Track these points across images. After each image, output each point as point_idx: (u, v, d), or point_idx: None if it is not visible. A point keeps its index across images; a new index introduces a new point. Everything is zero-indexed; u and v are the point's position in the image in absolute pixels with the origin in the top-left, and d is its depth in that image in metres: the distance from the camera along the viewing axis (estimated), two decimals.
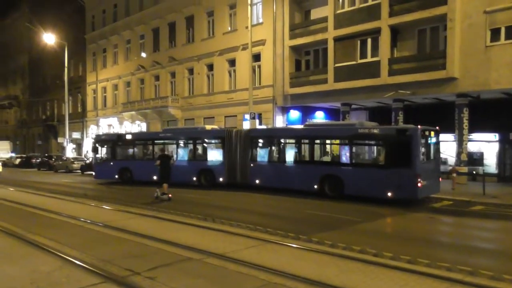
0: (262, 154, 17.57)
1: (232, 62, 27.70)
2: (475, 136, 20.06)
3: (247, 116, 23.10)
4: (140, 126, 34.60)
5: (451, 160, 19.87)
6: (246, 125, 23.46)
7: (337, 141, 15.67)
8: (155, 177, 17.52)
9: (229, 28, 27.81)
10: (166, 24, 32.43)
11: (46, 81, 49.70)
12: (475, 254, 7.93)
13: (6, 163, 43.92)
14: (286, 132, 18.27)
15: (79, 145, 43.46)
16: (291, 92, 23.72)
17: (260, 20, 25.88)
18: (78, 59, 42.80)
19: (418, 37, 19.87)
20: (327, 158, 15.96)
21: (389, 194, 13.36)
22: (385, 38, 19.62)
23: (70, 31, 42.18)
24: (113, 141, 22.09)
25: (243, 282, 5.73)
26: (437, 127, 14.76)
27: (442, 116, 19.66)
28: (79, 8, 42.67)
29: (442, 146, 16.20)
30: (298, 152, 16.58)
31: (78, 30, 42.45)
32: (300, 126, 19.28)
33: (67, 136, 37.47)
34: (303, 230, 9.16)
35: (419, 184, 12.76)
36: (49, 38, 35.83)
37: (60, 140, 42.71)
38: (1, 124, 62.52)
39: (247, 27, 23.10)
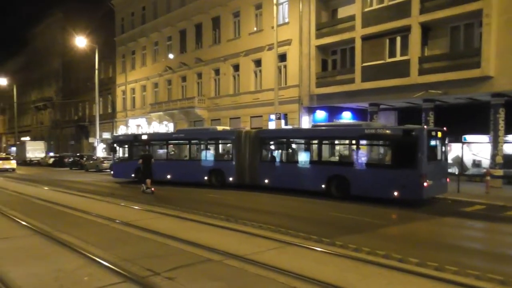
0: (271, 155, 17.84)
1: (258, 62, 27.70)
2: (511, 137, 19.23)
3: (272, 117, 23.03)
4: (167, 127, 35.11)
5: (485, 162, 19.13)
6: (272, 126, 23.39)
7: (344, 142, 15.92)
8: (169, 176, 19.83)
9: (255, 29, 27.81)
10: (193, 25, 32.79)
11: (78, 83, 51.26)
12: (507, 262, 7.56)
13: (41, 162, 45.63)
14: (294, 133, 18.55)
15: (109, 145, 44.54)
16: (317, 92, 23.47)
17: (286, 20, 25.75)
18: (108, 61, 43.90)
19: (451, 34, 19.21)
20: (334, 159, 16.13)
21: (395, 194, 13.42)
22: (415, 36, 19.09)
23: (101, 34, 43.31)
24: (130, 142, 22.78)
25: (262, 285, 5.68)
26: (444, 128, 14.71)
27: (476, 117, 18.98)
28: (109, 11, 43.77)
29: (476, 148, 15.70)
30: (306, 153, 16.64)
31: (108, 33, 43.55)
32: (308, 127, 19.39)
33: (97, 136, 38.41)
34: (326, 232, 9.00)
35: (424, 184, 12.81)
36: (80, 42, 36.87)
37: (91, 140, 43.87)
38: (37, 125, 64.89)
39: (273, 27, 23.01)
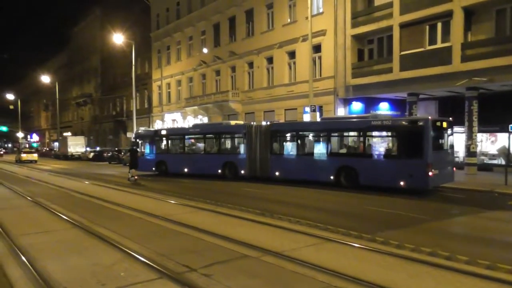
0: (281, 148, 18.26)
1: (292, 54, 27.25)
2: None
3: (307, 109, 22.58)
4: (202, 121, 35.31)
5: None
6: (307, 118, 22.95)
7: (352, 134, 16.34)
8: (186, 169, 21.33)
9: (289, 20, 27.34)
10: (226, 19, 32.67)
11: (116, 79, 52.53)
12: None
13: (81, 157, 47.15)
14: (304, 126, 19.06)
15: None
16: (353, 83, 22.81)
17: (321, 10, 25.15)
18: (144, 57, 44.65)
19: (496, 18, 18.11)
20: (342, 150, 16.42)
21: (402, 183, 13.86)
22: (457, 22, 18.10)
23: (137, 30, 44.06)
24: (151, 137, 23.59)
25: (301, 284, 5.42)
26: (450, 118, 15.17)
27: None
28: (145, 8, 44.41)
29: None
30: (316, 145, 17.04)
31: (144, 29, 44.25)
32: (317, 120, 20.24)
33: (134, 131, 39.19)
34: (366, 227, 8.63)
35: (430, 174, 13.11)
36: (118, 38, 37.63)
37: (128, 134, 44.83)
38: (78, 121, 67.19)
39: (307, 18, 22.50)
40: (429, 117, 13.84)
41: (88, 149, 49.85)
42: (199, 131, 22.21)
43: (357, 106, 23.91)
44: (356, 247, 7.10)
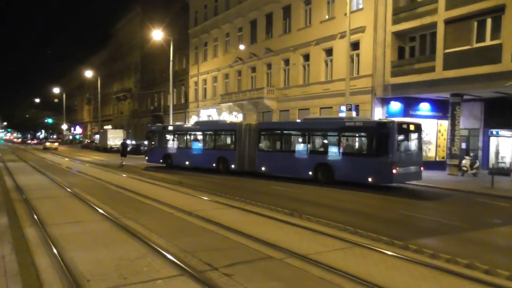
0: (267, 145, 19.91)
1: (329, 52, 26.75)
2: None
3: (343, 108, 22.13)
4: (236, 117, 35.42)
5: None
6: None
7: (328, 134, 17.52)
8: (187, 162, 23.29)
9: (327, 16, 26.85)
10: (263, 15, 32.54)
11: (154, 74, 53.66)
12: None
13: (119, 150, 48.46)
14: (287, 126, 20.58)
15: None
16: (392, 82, 22.08)
17: (360, 6, 24.51)
18: (182, 53, 45.33)
19: None
20: (320, 149, 17.68)
21: (370, 179, 15.31)
22: (510, 17, 17.05)
23: (176, 27, 44.75)
24: (160, 132, 25.86)
25: None
26: (420, 122, 16.98)
27: None
28: (184, 5, 45.07)
29: None
30: (296, 143, 18.61)
31: (183, 26, 44.90)
32: (298, 121, 22.43)
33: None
34: (398, 233, 8.27)
35: (394, 171, 14.51)
36: (157, 35, 38.38)
37: None
38: (118, 114, 69.28)
39: (345, 14, 21.98)
40: (395, 120, 15.53)
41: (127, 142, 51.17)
42: (199, 128, 23.93)
43: (395, 106, 23.15)
44: (387, 254, 6.79)
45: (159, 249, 6.67)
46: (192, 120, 42.98)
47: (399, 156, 14.81)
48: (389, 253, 6.83)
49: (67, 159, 33.81)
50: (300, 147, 18.24)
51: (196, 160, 22.92)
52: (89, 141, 68.63)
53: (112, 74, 70.67)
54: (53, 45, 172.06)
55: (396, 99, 22.91)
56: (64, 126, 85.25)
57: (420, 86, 20.73)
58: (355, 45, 24.22)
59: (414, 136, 16.04)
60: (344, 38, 22.73)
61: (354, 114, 21.76)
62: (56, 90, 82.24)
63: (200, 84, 42.77)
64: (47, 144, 57.19)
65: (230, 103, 34.84)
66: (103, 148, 50.32)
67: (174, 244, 7.04)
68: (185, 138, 24.11)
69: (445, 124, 23.24)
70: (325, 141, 17.72)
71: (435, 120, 23.97)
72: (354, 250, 7.02)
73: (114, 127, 62.82)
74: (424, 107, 23.42)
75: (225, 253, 6.61)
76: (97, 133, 64.53)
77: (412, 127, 15.82)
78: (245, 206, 11.04)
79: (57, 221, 8.81)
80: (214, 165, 21.56)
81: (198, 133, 23.61)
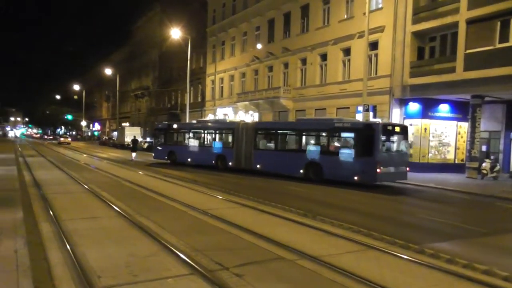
0: (262, 144, 20.58)
1: (346, 51, 26.48)
2: None
3: (360, 108, 21.88)
4: (252, 116, 35.42)
5: None
6: (359, 118, 22.25)
7: (319, 134, 18.28)
8: (189, 159, 24.14)
9: (345, 16, 26.58)
10: (281, 14, 32.42)
11: (172, 73, 54.09)
12: None
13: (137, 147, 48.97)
14: (282, 125, 21.88)
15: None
16: (411, 82, 21.72)
17: (380, 5, 24.19)
18: (199, 52, 45.55)
19: None
20: (311, 148, 18.10)
21: (356, 178, 15.96)
22: None
23: (194, 26, 45.01)
24: (165, 130, 26.70)
25: None
26: (409, 124, 19.21)
27: None
28: (202, 3, 45.27)
29: None
30: (290, 143, 19.64)
31: (201, 25, 45.13)
32: (292, 121, 24.09)
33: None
34: (413, 237, 8.08)
35: (378, 170, 15.16)
36: (175, 33, 38.66)
37: None
38: (135, 112, 70.07)
39: (364, 14, 21.72)
40: (380, 122, 16.56)
41: (142, 139, 51.72)
42: (200, 126, 24.97)
43: (414, 107, 22.77)
44: (402, 258, 6.63)
45: (171, 247, 6.65)
46: (209, 119, 43.18)
47: (383, 157, 15.54)
48: (404, 257, 6.67)
49: (85, 155, 34.30)
50: (293, 146, 19.19)
51: (198, 157, 23.88)
52: (107, 137, 69.56)
53: (131, 72, 71.51)
54: (75, 43, 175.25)
55: (414, 100, 22.53)
56: (83, 123, 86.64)
57: (440, 87, 20.33)
58: (374, 45, 23.91)
59: (399, 137, 16.65)
60: (363, 37, 22.45)
61: (371, 115, 21.51)
62: (76, 87, 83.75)
63: (217, 83, 42.89)
64: (61, 139, 65.69)
65: (246, 102, 34.84)
66: (121, 145, 50.91)
67: (186, 243, 7.02)
68: (188, 136, 24.97)
69: (465, 126, 22.75)
70: (316, 141, 18.36)
71: (454, 122, 23.50)
72: (367, 253, 6.88)
73: (132, 125, 63.49)
74: (444, 109, 22.97)
75: (236, 253, 6.56)
76: (115, 130, 65.35)
77: (397, 129, 16.60)
78: (258, 206, 10.97)
79: (72, 216, 8.90)
80: (213, 162, 22.58)
81: (199, 131, 24.47)
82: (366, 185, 16.06)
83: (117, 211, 9.73)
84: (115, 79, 64.56)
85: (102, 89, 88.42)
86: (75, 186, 14.23)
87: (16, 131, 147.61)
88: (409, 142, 18.61)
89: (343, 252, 6.85)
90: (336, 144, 17.31)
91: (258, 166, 20.11)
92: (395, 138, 16.52)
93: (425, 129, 22.89)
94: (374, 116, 23.29)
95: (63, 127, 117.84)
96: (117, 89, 64.04)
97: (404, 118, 23.18)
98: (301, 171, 17.89)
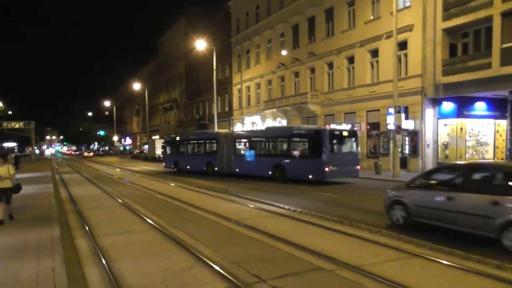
0: (240, 150, 23.78)
1: (374, 53, 26.01)
2: None
3: (391, 110, 21.39)
4: (280, 123, 35.26)
5: None
6: (390, 120, 21.75)
7: (281, 140, 21.06)
8: (188, 167, 27.95)
9: (372, 17, 26.16)
10: (305, 19, 32.28)
11: (199, 84, 54.76)
12: None
13: None
14: (254, 134, 25.03)
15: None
16: (444, 81, 21.03)
17: (407, 4, 23.68)
18: (225, 62, 45.95)
19: None
20: (276, 152, 21.28)
21: (310, 176, 18.58)
22: None
23: (218, 37, 45.49)
24: (172, 142, 30.71)
25: None
26: (355, 129, 23.33)
27: None
28: (225, 14, 45.75)
29: None
30: (260, 149, 22.53)
31: (225, 35, 45.55)
32: (262, 128, 28.61)
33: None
34: (456, 242, 7.67)
35: (326, 169, 17.75)
36: (200, 45, 39.18)
37: None
38: (164, 124, 71.25)
39: (392, 13, 21.31)
40: (327, 128, 20.07)
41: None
42: (195, 137, 29.23)
43: (448, 106, 22.03)
44: (447, 265, 6.31)
45: (206, 260, 6.58)
46: (237, 128, 43.38)
47: (331, 157, 17.97)
48: (450, 263, 6.34)
49: (118, 169, 35.05)
50: (263, 151, 22.26)
51: (193, 164, 27.51)
52: (138, 151, 70.97)
53: (159, 85, 72.93)
54: (104, 61, 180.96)
55: (448, 99, 21.81)
56: (115, 138, 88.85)
57: (475, 84, 19.60)
58: (403, 45, 23.38)
59: (348, 140, 19.37)
60: (391, 38, 22.01)
61: (403, 116, 20.96)
62: (107, 103, 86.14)
63: (243, 92, 43.06)
64: (85, 154, 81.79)
65: (274, 109, 34.74)
66: (152, 158, 51.77)
67: (221, 255, 6.93)
68: (186, 146, 29.17)
69: (503, 124, 21.77)
70: (280, 146, 21.32)
71: (492, 120, 22.55)
72: (410, 260, 6.58)
73: (162, 137, 64.54)
74: (480, 107, 22.11)
75: (273, 264, 6.41)
76: (145, 144, 66.60)
77: (345, 133, 19.40)
78: (292, 214, 10.79)
79: (107, 232, 8.99)
80: (204, 168, 26.15)
81: (194, 142, 28.61)
82: (318, 182, 18.46)
83: (151, 224, 9.79)
84: (143, 93, 65.96)
85: (131, 104, 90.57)
86: (109, 201, 14.47)
87: (52, 149, 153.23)
88: (358, 144, 21.72)
89: (384, 260, 6.57)
90: (295, 148, 19.98)
91: (237, 170, 23.29)
92: (343, 140, 19.21)
93: (461, 128, 22.08)
94: (406, 118, 22.68)
95: (96, 143, 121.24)
96: (146, 103, 65.34)
97: (438, 118, 22.46)
98: (270, 172, 20.72)
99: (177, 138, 30.48)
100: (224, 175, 24.06)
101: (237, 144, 24.00)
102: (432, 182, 8.92)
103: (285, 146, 20.77)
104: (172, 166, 29.66)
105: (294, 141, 20.11)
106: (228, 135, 24.93)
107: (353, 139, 19.59)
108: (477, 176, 8.38)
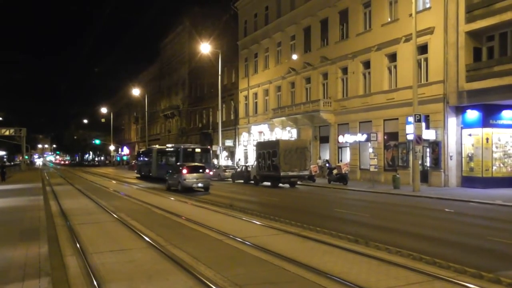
0: (159, 161, 35.75)
1: (392, 57, 25.94)
2: None
3: (410, 119, 21.24)
4: (290, 133, 35.16)
5: None
6: (410, 129, 21.59)
7: (175, 155, 33.21)
8: (150, 174, 36.91)
9: (389, 19, 26.17)
10: (318, 21, 32.35)
11: (202, 90, 55.01)
12: None
13: None
14: (165, 149, 37.12)
15: (232, 153, 46.59)
16: (468, 87, 20.86)
17: (427, 5, 23.67)
18: (231, 66, 46.14)
19: None
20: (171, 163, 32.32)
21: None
22: None
23: (224, 39, 45.79)
24: (141, 153, 43.99)
25: None
26: (208, 146, 37.20)
27: None
28: (232, 15, 46.05)
29: None
30: (171, 160, 33.46)
31: (232, 37, 45.82)
32: (170, 146, 37.88)
33: (220, 144, 40.38)
34: (484, 263, 7.47)
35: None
36: (205, 48, 39.41)
37: (214, 147, 46.43)
38: (165, 133, 71.47)
39: (411, 15, 21.29)
40: (182, 146, 33.74)
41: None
42: (171, 149, 35.94)
43: (472, 115, 21.81)
44: None
45: (207, 282, 6.45)
46: (243, 138, 43.35)
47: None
48: (477, 287, 6.15)
49: (114, 181, 35.09)
50: (172, 162, 32.38)
51: (156, 171, 35.24)
52: (135, 162, 71.07)
53: (160, 91, 73.39)
54: (102, 64, 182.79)
55: (473, 107, 21.62)
56: (112, 147, 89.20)
57: (502, 91, 19.41)
58: (423, 49, 23.29)
59: (201, 155, 32.37)
60: (410, 41, 21.95)
61: (423, 125, 20.80)
62: (104, 110, 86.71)
63: (250, 98, 43.10)
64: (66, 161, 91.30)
65: (283, 118, 34.67)
66: None
67: (223, 276, 6.80)
68: (167, 157, 35.41)
69: None
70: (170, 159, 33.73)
71: None
72: (433, 284, 6.40)
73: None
74: (507, 115, 21.87)
75: (280, 287, 6.26)
76: None
77: (198, 150, 33.36)
78: (302, 232, 10.62)
79: (100, 249, 8.90)
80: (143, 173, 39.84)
81: (170, 153, 34.93)
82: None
83: (147, 241, 9.68)
84: (143, 99, 66.38)
85: (130, 110, 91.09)
86: (103, 215, 14.42)
87: (43, 159, 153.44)
88: (212, 158, 36.13)
89: (404, 283, 6.39)
90: (169, 160, 33.72)
91: (157, 175, 34.07)
92: (196, 155, 32.00)
93: (487, 139, 21.82)
94: (427, 127, 22.49)
95: (91, 153, 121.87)
96: (146, 109, 65.69)
97: (462, 128, 22.24)
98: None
99: (166, 149, 37.93)
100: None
101: (159, 156, 36.20)
102: None
103: (171, 159, 33.13)
104: (142, 173, 40.60)
105: (168, 156, 34.86)
106: (154, 149, 38.22)
107: (204, 153, 32.76)
108: None
